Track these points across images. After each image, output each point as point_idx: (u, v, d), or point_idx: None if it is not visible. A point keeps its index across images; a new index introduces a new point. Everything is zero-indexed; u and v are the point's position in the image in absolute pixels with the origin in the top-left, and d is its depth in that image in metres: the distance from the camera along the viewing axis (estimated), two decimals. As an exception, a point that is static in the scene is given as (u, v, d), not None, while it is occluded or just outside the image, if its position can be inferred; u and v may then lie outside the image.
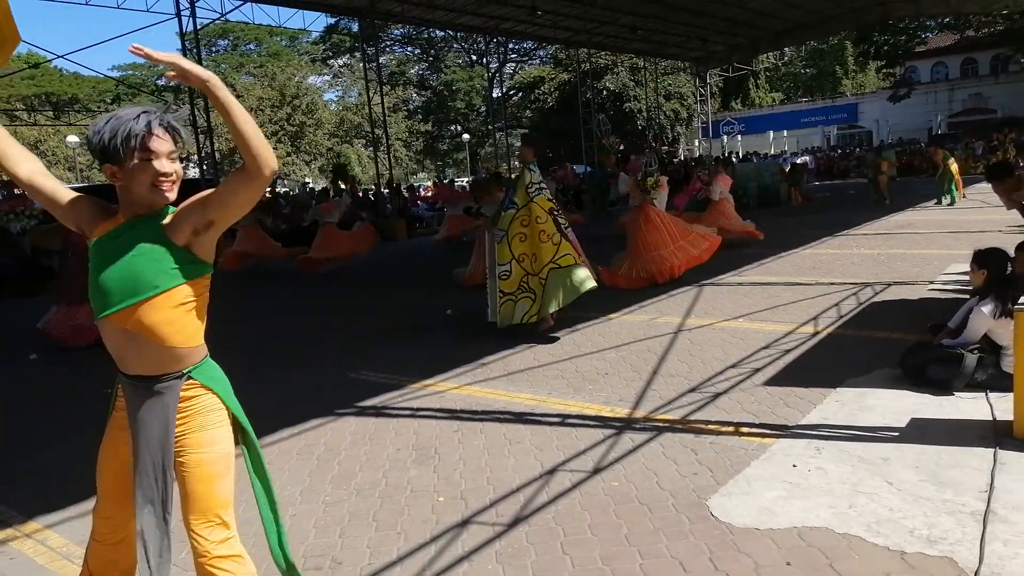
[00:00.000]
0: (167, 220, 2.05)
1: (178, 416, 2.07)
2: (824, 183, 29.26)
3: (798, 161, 27.82)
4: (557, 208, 6.89)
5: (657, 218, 9.09)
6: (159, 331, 2.02)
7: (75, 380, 6.67)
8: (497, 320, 6.73)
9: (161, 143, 2.00)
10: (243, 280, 12.91)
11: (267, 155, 1.97)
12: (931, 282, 7.67)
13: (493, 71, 35.06)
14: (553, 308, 6.50)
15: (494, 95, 39.17)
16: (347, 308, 9.60)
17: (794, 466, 3.48)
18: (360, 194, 23.66)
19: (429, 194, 26.47)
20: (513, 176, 7.04)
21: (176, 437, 2.08)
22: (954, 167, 16.97)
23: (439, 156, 53.39)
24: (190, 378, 2.09)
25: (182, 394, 2.08)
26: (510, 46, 45.01)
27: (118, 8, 17.65)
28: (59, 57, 24.49)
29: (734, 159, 29.40)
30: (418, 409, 4.86)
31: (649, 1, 23.70)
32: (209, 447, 2.11)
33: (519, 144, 8.25)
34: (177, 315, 2.04)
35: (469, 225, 16.11)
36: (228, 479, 2.16)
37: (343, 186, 23.73)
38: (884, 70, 42.66)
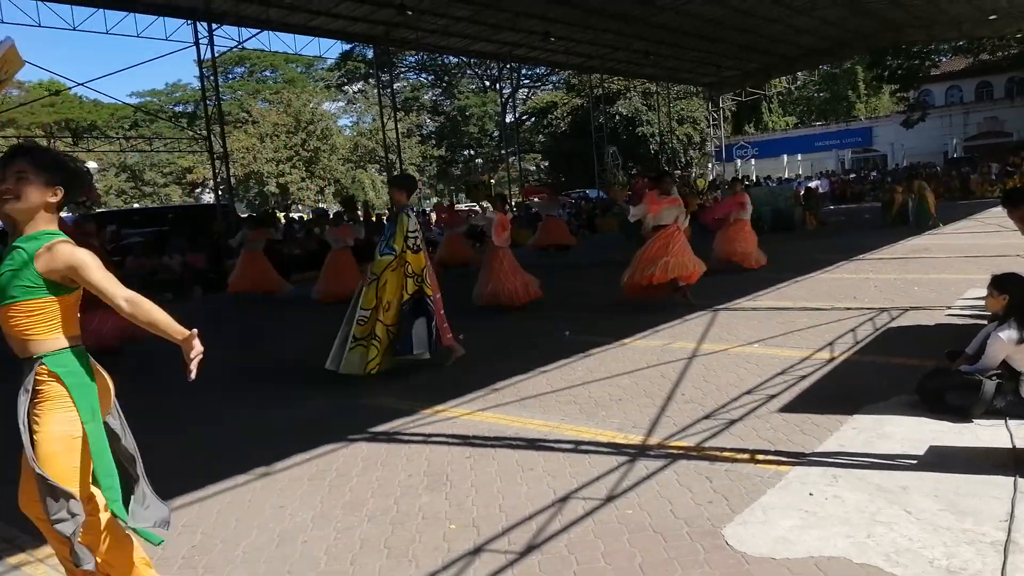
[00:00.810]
0: (39, 250, 2.43)
1: (34, 396, 2.46)
2: (839, 207, 29.16)
3: (810, 185, 27.76)
4: (423, 273, 6.45)
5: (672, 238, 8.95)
6: (18, 327, 2.47)
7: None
8: (338, 366, 6.30)
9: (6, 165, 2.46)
10: (250, 303, 12.97)
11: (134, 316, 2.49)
12: (948, 307, 7.60)
13: (506, 96, 35.39)
14: (389, 365, 6.37)
15: (507, 120, 39.46)
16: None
17: (810, 494, 3.43)
18: (374, 218, 23.81)
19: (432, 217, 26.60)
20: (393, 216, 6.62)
21: (31, 413, 2.46)
22: (929, 196, 17.55)
23: (452, 181, 53.72)
24: (42, 363, 2.47)
25: (36, 377, 2.47)
26: (523, 72, 45.45)
27: (138, 37, 18.01)
28: (79, 85, 24.96)
29: (746, 182, 29.26)
30: (430, 435, 4.85)
31: (661, 27, 23.97)
32: (45, 427, 2.44)
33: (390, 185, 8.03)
34: (33, 318, 2.46)
35: (466, 252, 16.25)
36: (62, 459, 2.45)
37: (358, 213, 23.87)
38: (898, 94, 42.63)
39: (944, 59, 43.79)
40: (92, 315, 7.87)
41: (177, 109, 47.82)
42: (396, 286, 6.34)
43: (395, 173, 25.46)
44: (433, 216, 23.68)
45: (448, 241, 16.25)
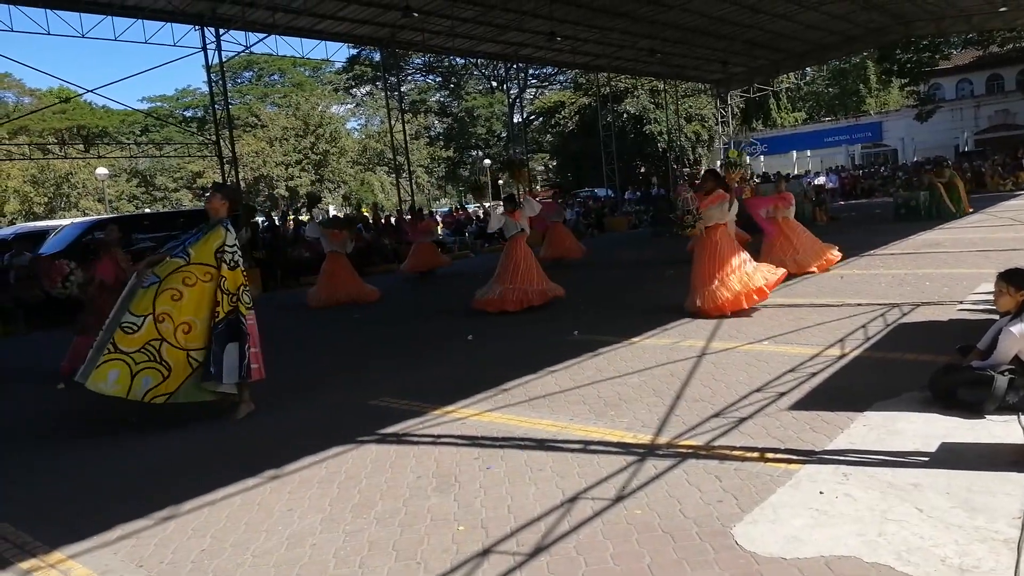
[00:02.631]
0: None
1: None
2: (849, 203, 29.00)
3: (817, 181, 27.60)
4: (239, 292, 5.71)
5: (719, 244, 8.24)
6: None
7: (100, 409, 6.73)
8: (86, 381, 5.36)
9: None
10: (264, 306, 13.01)
11: None
12: (960, 302, 7.53)
13: (513, 97, 35.40)
14: (194, 398, 5.65)
15: (515, 120, 39.44)
16: (365, 334, 9.63)
17: (821, 493, 3.40)
18: (383, 221, 23.83)
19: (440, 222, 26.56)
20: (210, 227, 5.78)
21: None
22: (958, 183, 18.10)
23: (461, 182, 53.78)
24: None
25: None
26: (530, 72, 45.44)
27: (146, 43, 18.10)
28: (89, 92, 25.13)
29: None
30: (439, 436, 4.84)
31: (668, 25, 23.90)
32: None
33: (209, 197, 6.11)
34: None
35: (435, 258, 16.27)
36: None
37: (366, 215, 23.85)
38: (908, 88, 42.35)
39: (954, 52, 43.45)
40: (87, 340, 7.98)
41: (187, 114, 48.13)
42: (202, 303, 5.60)
43: (404, 174, 25.48)
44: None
45: (417, 249, 16.17)
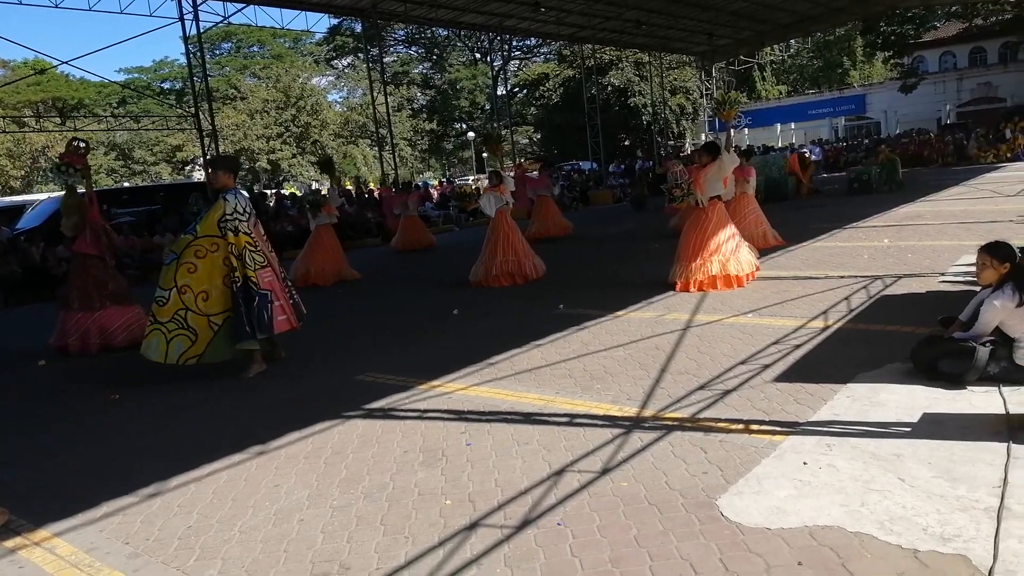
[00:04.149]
0: None
1: None
2: (832, 175, 29.08)
3: (803, 151, 27.62)
4: (254, 245, 6.19)
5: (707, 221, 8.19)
6: None
7: (84, 387, 6.69)
8: (141, 349, 6.15)
9: None
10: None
11: None
12: (942, 274, 7.60)
13: (497, 69, 35.05)
14: (220, 357, 6.18)
15: (498, 93, 39.11)
16: (351, 309, 9.59)
17: (805, 464, 3.44)
18: (366, 194, 23.66)
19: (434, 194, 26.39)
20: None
21: None
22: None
23: (444, 155, 53.39)
24: None
25: None
26: (514, 43, 44.99)
27: (121, 13, 17.75)
28: (64, 63, 24.63)
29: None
30: (425, 411, 4.85)
31: (653, -5, 23.66)
32: None
33: (212, 168, 6.71)
34: None
35: (424, 235, 16.15)
36: None
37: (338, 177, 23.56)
38: (892, 60, 42.33)
39: (938, 25, 43.44)
40: (71, 315, 7.90)
41: (164, 86, 47.30)
42: (214, 272, 6.08)
43: (388, 147, 25.26)
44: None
45: (405, 224, 16.07)
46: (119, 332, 7.92)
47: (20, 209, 20.07)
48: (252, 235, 6.22)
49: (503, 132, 27.52)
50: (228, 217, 6.07)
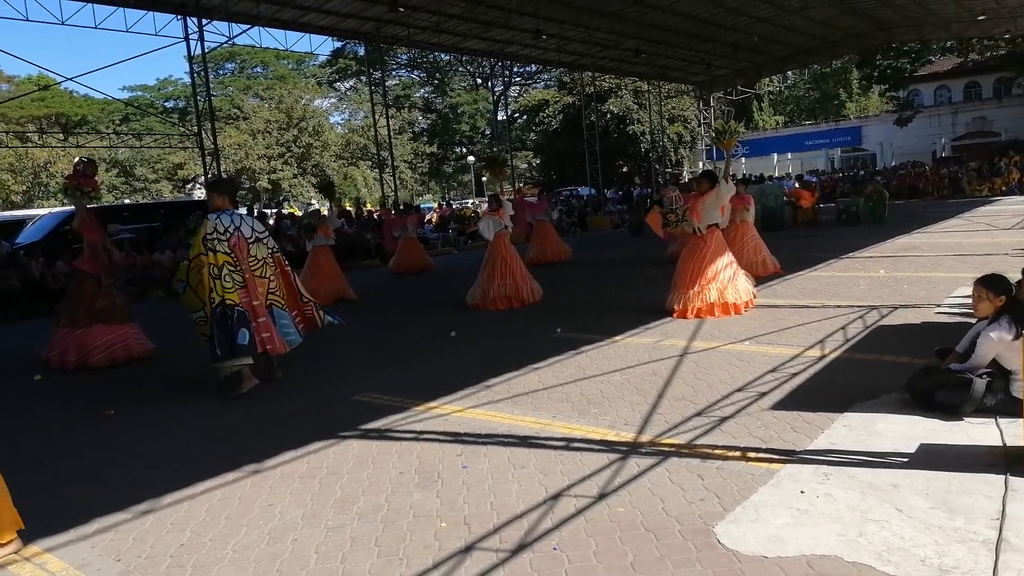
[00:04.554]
0: None
1: None
2: (828, 205, 29.24)
3: (796, 185, 27.84)
4: (234, 264, 6.23)
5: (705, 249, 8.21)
6: None
7: (77, 402, 6.66)
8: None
9: None
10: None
11: None
12: (938, 305, 7.63)
13: (498, 94, 35.35)
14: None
15: (499, 118, 39.39)
16: (348, 330, 9.56)
17: (802, 492, 3.43)
18: (365, 215, 23.72)
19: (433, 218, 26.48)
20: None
21: None
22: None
23: (444, 178, 53.64)
24: None
25: None
26: (515, 69, 45.39)
27: (127, 32, 17.89)
28: (68, 79, 24.77)
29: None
30: (421, 432, 4.83)
31: (652, 26, 24.01)
32: None
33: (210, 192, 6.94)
34: None
35: (421, 258, 16.21)
36: None
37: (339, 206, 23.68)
38: (887, 93, 42.81)
39: (933, 59, 44.00)
40: (59, 330, 7.90)
41: (168, 104, 47.58)
42: (201, 290, 6.22)
43: (388, 169, 25.37)
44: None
45: (403, 247, 16.10)
46: (99, 351, 7.82)
47: (20, 224, 20.06)
48: (232, 255, 6.24)
49: (507, 156, 27.56)
50: (208, 236, 6.22)
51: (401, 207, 18.53)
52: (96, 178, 8.07)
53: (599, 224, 26.94)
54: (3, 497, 3.45)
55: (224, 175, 19.29)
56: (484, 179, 45.31)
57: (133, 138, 36.26)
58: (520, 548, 3.14)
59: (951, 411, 4.25)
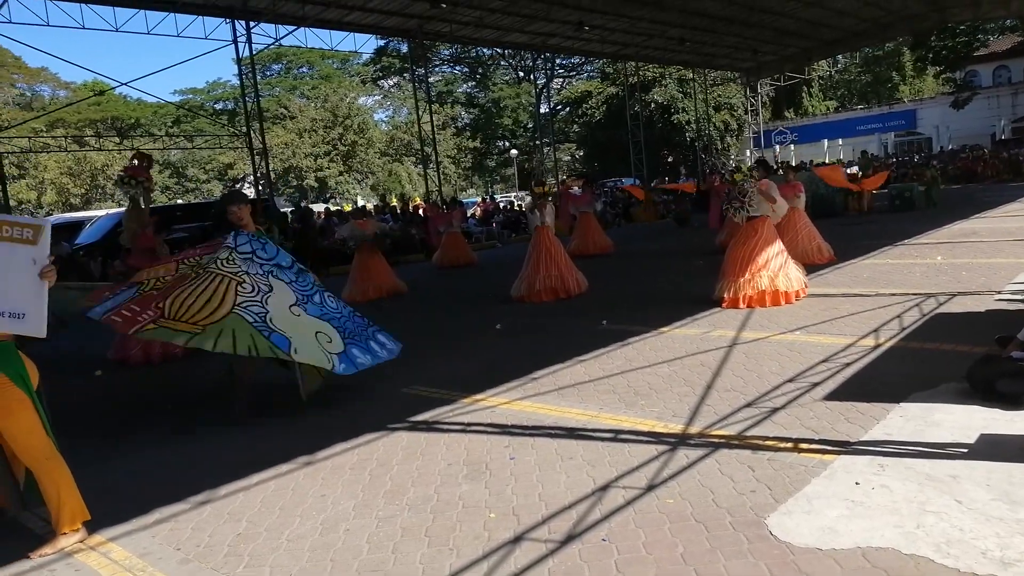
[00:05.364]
0: None
1: None
2: (882, 191, 28.49)
3: (851, 171, 27.14)
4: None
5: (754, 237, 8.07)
6: None
7: (139, 396, 6.87)
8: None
9: None
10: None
11: None
12: (998, 292, 7.37)
13: (540, 87, 35.24)
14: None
15: (541, 111, 39.30)
16: (395, 322, 9.66)
17: (857, 484, 3.36)
18: (410, 211, 23.92)
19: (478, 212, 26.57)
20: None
21: None
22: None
23: (487, 172, 53.74)
24: None
25: None
26: (557, 62, 45.20)
27: (178, 36, 18.32)
28: (123, 84, 25.47)
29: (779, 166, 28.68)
30: (469, 424, 4.86)
31: (697, 13, 23.63)
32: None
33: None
34: None
35: (466, 253, 16.24)
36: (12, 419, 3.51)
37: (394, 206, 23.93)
38: (943, 75, 41.45)
39: (992, 39, 42.44)
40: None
41: (217, 106, 48.60)
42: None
43: (432, 165, 25.57)
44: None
45: (447, 241, 16.16)
46: (158, 346, 8.06)
47: (79, 225, 20.75)
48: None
49: (546, 178, 27.28)
50: (220, 258, 5.67)
51: (445, 202, 18.64)
52: (149, 170, 8.29)
53: (644, 216, 26.69)
54: (70, 488, 3.59)
55: (261, 172, 19.53)
56: (527, 172, 45.27)
57: (184, 140, 37.16)
58: (569, 539, 3.14)
59: (1012, 401, 4.11)
